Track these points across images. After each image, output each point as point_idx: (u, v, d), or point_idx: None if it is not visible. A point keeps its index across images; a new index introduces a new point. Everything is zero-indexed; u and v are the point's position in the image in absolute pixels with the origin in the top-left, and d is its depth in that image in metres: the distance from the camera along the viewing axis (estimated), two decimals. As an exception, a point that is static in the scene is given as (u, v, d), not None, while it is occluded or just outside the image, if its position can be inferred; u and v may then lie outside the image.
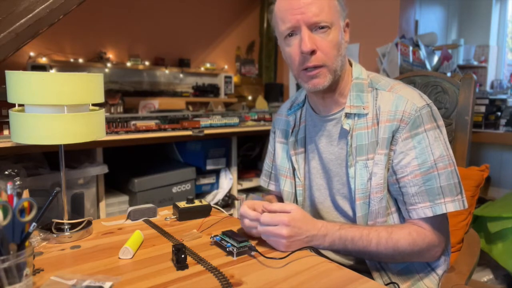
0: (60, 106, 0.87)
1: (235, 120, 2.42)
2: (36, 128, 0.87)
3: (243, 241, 0.82)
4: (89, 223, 0.95)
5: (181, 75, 2.93)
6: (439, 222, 0.89)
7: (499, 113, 2.40)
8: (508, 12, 4.48)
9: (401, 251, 0.86)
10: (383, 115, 0.90)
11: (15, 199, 0.63)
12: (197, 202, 1.08)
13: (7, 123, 1.60)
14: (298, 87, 3.13)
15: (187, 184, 2.27)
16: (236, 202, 2.52)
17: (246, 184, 2.65)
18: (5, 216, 0.58)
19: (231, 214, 1.11)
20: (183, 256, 0.74)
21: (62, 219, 0.93)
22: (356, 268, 0.90)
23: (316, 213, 1.04)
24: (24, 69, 2.21)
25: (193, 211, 1.06)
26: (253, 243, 0.84)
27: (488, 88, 4.16)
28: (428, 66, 2.60)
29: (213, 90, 3.00)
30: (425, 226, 0.88)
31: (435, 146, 0.87)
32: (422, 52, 2.61)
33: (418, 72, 1.36)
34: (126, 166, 2.28)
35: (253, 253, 0.81)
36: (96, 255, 0.82)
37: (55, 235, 0.89)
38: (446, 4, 4.48)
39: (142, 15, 2.74)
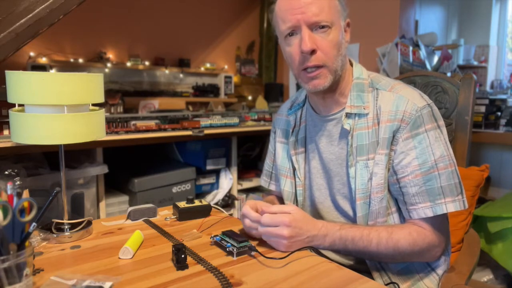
0: (60, 106, 0.87)
1: (235, 120, 2.42)
2: (36, 128, 0.87)
3: (243, 241, 0.81)
4: (89, 223, 0.95)
5: (181, 75, 2.93)
6: (440, 222, 0.89)
7: (499, 113, 2.40)
8: (508, 12, 4.48)
9: (401, 251, 0.86)
10: (384, 115, 0.90)
11: (15, 199, 0.63)
12: (197, 202, 1.08)
13: (7, 123, 1.60)
14: (298, 87, 3.13)
15: (187, 184, 2.27)
16: (236, 202, 2.52)
17: (246, 184, 2.65)
18: (5, 216, 0.58)
19: (231, 214, 1.11)
20: (183, 256, 0.74)
21: (62, 219, 0.93)
22: (356, 268, 0.90)
23: (316, 213, 1.04)
24: (24, 69, 2.21)
25: (193, 211, 1.06)
26: (253, 243, 0.84)
27: (488, 88, 4.16)
28: (428, 66, 2.60)
29: (213, 90, 3.00)
30: (425, 226, 0.88)
31: (436, 146, 0.87)
32: (422, 52, 2.61)
33: (418, 72, 1.36)
34: (126, 166, 2.27)
35: (253, 253, 0.81)
36: (96, 255, 0.82)
37: (55, 235, 0.89)
38: (446, 4, 4.48)
39: (142, 15, 2.74)
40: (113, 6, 2.60)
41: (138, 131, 2.00)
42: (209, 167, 2.41)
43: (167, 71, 2.84)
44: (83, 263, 0.77)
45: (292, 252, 0.81)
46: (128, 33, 2.70)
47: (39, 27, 1.49)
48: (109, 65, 2.54)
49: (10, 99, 0.88)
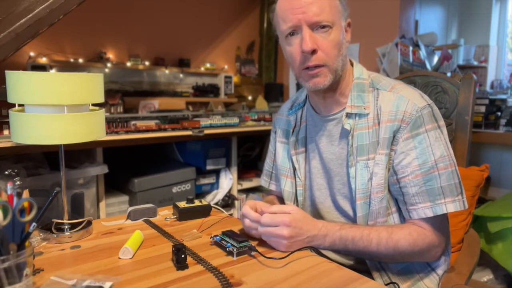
0: (60, 106, 0.87)
1: (235, 120, 2.42)
2: (36, 128, 0.87)
3: (243, 241, 0.81)
4: (89, 223, 0.95)
5: (181, 75, 2.93)
6: (440, 222, 0.89)
7: (499, 113, 2.40)
8: (508, 12, 4.48)
9: (401, 251, 0.86)
10: (384, 115, 0.90)
11: (15, 199, 0.63)
12: (197, 202, 1.08)
13: (7, 123, 1.60)
14: (298, 87, 3.13)
15: (187, 184, 2.27)
16: (236, 202, 2.52)
17: (246, 184, 2.65)
18: (5, 216, 0.58)
19: (231, 214, 1.11)
20: (183, 256, 0.74)
21: (62, 219, 0.93)
22: (356, 268, 0.90)
23: (317, 213, 1.04)
24: (24, 69, 2.21)
25: (193, 211, 1.06)
26: (253, 243, 0.84)
27: (488, 88, 4.16)
28: (428, 66, 2.60)
29: (213, 90, 3.00)
30: (425, 226, 0.88)
31: (436, 146, 0.87)
32: (422, 52, 2.61)
33: (418, 72, 1.36)
34: (126, 166, 2.27)
35: (253, 253, 0.81)
36: (96, 255, 0.81)
37: (55, 235, 0.89)
38: (446, 4, 4.48)
39: (142, 15, 2.74)
40: (113, 6, 2.60)
41: (138, 131, 2.00)
42: (209, 167, 2.41)
43: (167, 71, 2.84)
44: (83, 263, 0.77)
45: (292, 252, 0.81)
46: (128, 33, 2.70)
47: (39, 27, 1.49)
48: (109, 65, 2.54)
49: (10, 99, 0.88)
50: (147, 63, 2.71)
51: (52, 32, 2.21)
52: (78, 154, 1.90)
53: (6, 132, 1.64)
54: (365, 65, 1.03)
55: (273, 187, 1.19)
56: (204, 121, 2.25)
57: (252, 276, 0.72)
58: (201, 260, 0.78)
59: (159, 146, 2.51)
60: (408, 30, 2.67)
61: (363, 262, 0.94)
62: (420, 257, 0.91)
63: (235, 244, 0.81)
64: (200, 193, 2.44)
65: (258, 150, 2.86)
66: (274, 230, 0.82)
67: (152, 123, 2.06)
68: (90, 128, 0.93)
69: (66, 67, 2.41)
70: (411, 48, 2.52)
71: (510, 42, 4.58)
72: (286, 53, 0.95)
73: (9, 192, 0.62)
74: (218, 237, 0.87)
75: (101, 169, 1.87)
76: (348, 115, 0.94)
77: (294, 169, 1.06)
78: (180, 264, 0.74)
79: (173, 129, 2.12)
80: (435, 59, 2.73)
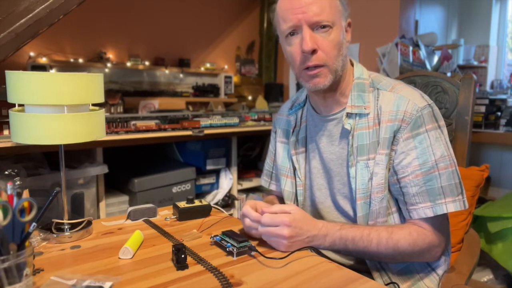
0: (60, 106, 0.87)
1: (235, 120, 2.42)
2: (36, 128, 0.87)
3: (243, 241, 0.81)
4: (89, 223, 0.95)
5: (181, 75, 2.93)
6: (440, 222, 0.89)
7: (499, 113, 2.40)
8: (508, 12, 4.48)
9: (401, 251, 0.86)
10: (384, 115, 0.90)
11: (15, 199, 0.62)
12: (197, 202, 1.08)
13: (7, 123, 1.60)
14: (298, 87, 3.13)
15: (187, 184, 2.27)
16: (236, 202, 2.52)
17: (246, 184, 2.65)
18: (5, 216, 0.58)
19: (231, 214, 1.11)
20: (183, 256, 0.74)
21: (62, 219, 0.93)
22: (356, 268, 0.90)
23: (317, 213, 1.04)
24: (24, 69, 2.21)
25: (193, 211, 1.06)
26: (253, 243, 0.84)
27: (488, 88, 4.16)
28: (428, 66, 2.60)
29: (213, 90, 3.00)
30: (425, 226, 0.88)
31: (436, 146, 0.87)
32: (422, 52, 2.61)
33: (418, 72, 1.36)
34: (126, 166, 2.27)
35: (253, 253, 0.81)
36: (96, 255, 0.81)
37: (55, 235, 0.89)
38: (446, 4, 4.48)
39: (142, 15, 2.74)
40: (113, 6, 2.60)
41: (138, 131, 2.00)
42: (209, 167, 2.41)
43: (167, 71, 2.84)
44: (83, 263, 0.77)
45: (292, 252, 0.81)
46: (128, 33, 2.70)
47: (39, 27, 1.49)
48: (109, 65, 2.54)
49: (10, 99, 0.88)
50: (147, 63, 2.71)
51: (52, 32, 2.21)
52: (78, 154, 1.90)
53: (6, 132, 1.64)
54: (365, 65, 1.03)
55: (273, 187, 1.19)
56: (204, 121, 2.25)
57: (252, 276, 0.72)
58: (201, 260, 0.78)
59: (159, 146, 2.51)
60: (408, 30, 2.67)
61: (363, 262, 0.94)
62: (420, 257, 0.91)
63: (235, 244, 0.81)
64: (200, 193, 2.44)
65: (258, 150, 2.86)
66: (274, 230, 0.82)
67: (152, 123, 2.06)
68: (90, 128, 0.92)
69: (66, 67, 2.41)
70: (411, 48, 2.52)
71: (510, 42, 4.58)
72: (286, 53, 0.95)
73: (9, 192, 0.62)
74: (218, 237, 0.87)
75: (101, 169, 1.87)
76: (349, 115, 0.94)
77: (294, 169, 1.06)
78: (180, 264, 0.74)
79: (173, 129, 2.12)
80: (435, 59, 2.73)
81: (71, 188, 1.78)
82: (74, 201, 1.77)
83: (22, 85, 0.85)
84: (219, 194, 2.44)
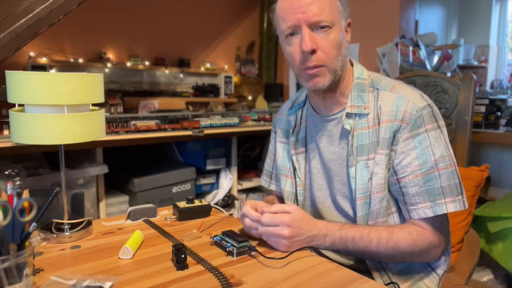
0: (60, 106, 0.87)
1: (235, 120, 2.42)
2: (36, 128, 0.87)
3: (243, 241, 0.81)
4: (89, 223, 0.95)
5: (181, 75, 2.93)
6: (440, 222, 0.89)
7: (499, 113, 2.40)
8: (508, 12, 4.48)
9: (401, 251, 0.86)
10: (384, 115, 0.90)
11: (15, 199, 0.63)
12: (197, 202, 1.08)
13: (7, 123, 1.60)
14: (298, 87, 3.13)
15: (187, 184, 2.27)
16: (236, 202, 2.52)
17: (246, 184, 2.65)
18: (5, 216, 0.58)
19: (231, 214, 1.11)
20: (183, 256, 0.74)
21: (62, 219, 0.93)
22: (356, 268, 0.90)
23: (317, 213, 1.04)
24: (24, 69, 2.21)
25: (193, 211, 1.06)
26: (253, 243, 0.84)
27: (488, 88, 4.16)
28: (428, 66, 2.60)
29: (213, 90, 3.00)
30: (425, 226, 0.88)
31: (436, 147, 0.87)
32: (422, 52, 2.61)
33: (418, 72, 1.36)
34: (126, 166, 2.27)
35: (253, 253, 0.81)
36: (96, 255, 0.81)
37: (55, 235, 0.89)
38: (446, 4, 4.48)
39: (142, 15, 2.74)
40: (113, 6, 2.60)
41: (138, 131, 2.00)
42: (209, 167, 2.41)
43: (167, 71, 2.84)
44: (83, 263, 0.77)
45: (292, 252, 0.81)
46: (128, 33, 2.70)
47: (39, 27, 1.49)
48: (109, 65, 2.54)
49: (10, 99, 0.88)
50: (147, 63, 2.71)
51: (52, 32, 2.21)
52: (78, 154, 1.90)
53: (6, 132, 1.64)
54: (365, 65, 1.03)
55: (273, 187, 1.19)
56: (204, 121, 2.25)
57: (252, 276, 0.72)
58: (201, 260, 0.78)
59: (159, 146, 2.51)
60: (408, 30, 2.67)
61: (363, 262, 0.94)
62: (420, 257, 0.91)
63: (235, 244, 0.81)
64: (200, 193, 2.44)
65: (258, 150, 2.86)
66: (274, 229, 0.82)
67: (152, 123, 2.06)
68: (90, 128, 0.93)
69: (66, 67, 2.41)
70: (411, 48, 2.52)
71: (510, 42, 4.58)
72: (286, 53, 0.95)
73: (9, 192, 0.62)
74: (218, 237, 0.87)
75: (101, 169, 1.87)
76: (348, 115, 0.94)
77: (294, 169, 1.06)
78: (180, 264, 0.74)
79: (173, 129, 2.12)
80: (435, 59, 2.73)
81: (71, 188, 1.78)
82: (74, 201, 1.77)
83: (22, 85, 0.85)
84: (219, 194, 2.44)
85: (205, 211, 1.07)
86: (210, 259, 0.78)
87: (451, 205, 0.85)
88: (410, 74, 1.33)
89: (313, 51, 0.87)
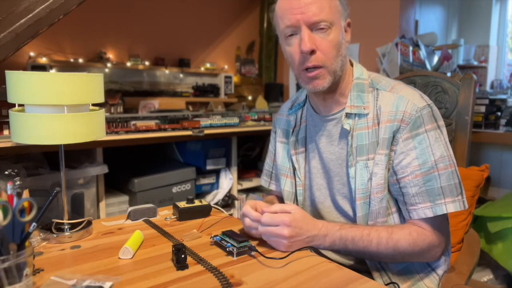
0: (60, 106, 0.87)
1: (235, 120, 2.42)
2: (36, 128, 0.87)
3: (243, 241, 0.81)
4: (89, 223, 0.95)
5: (181, 75, 2.93)
6: (440, 223, 0.89)
7: (499, 113, 2.40)
8: (508, 12, 4.48)
9: (401, 251, 0.86)
10: (384, 115, 0.90)
11: (15, 199, 0.63)
12: (197, 202, 1.08)
13: (7, 123, 1.60)
14: (298, 87, 3.13)
15: (187, 184, 2.27)
16: (236, 202, 2.52)
17: (246, 184, 2.65)
18: (5, 216, 0.58)
19: (231, 214, 1.11)
20: (183, 256, 0.74)
21: (62, 219, 0.93)
22: (356, 268, 0.90)
23: (317, 213, 1.04)
24: (24, 69, 2.21)
25: (193, 211, 1.06)
26: (253, 243, 0.84)
27: (488, 88, 4.16)
28: (428, 66, 2.60)
29: (213, 90, 3.00)
30: (425, 227, 0.88)
31: (436, 147, 0.87)
32: (422, 52, 2.61)
33: (418, 72, 1.36)
34: (126, 166, 2.27)
35: (253, 253, 0.81)
36: (96, 255, 0.82)
37: (55, 235, 0.89)
38: (446, 4, 4.48)
39: (142, 15, 2.74)
40: (113, 6, 2.60)
41: (138, 131, 2.00)
42: (209, 167, 2.41)
43: (167, 71, 2.84)
44: (83, 263, 0.77)
45: (292, 252, 0.81)
46: (128, 33, 2.70)
47: (39, 27, 1.49)
48: (109, 65, 2.54)
49: (10, 99, 0.88)
50: (147, 63, 2.71)
51: (52, 32, 2.21)
52: (78, 154, 1.90)
53: (6, 132, 1.64)
54: (365, 65, 1.03)
55: (273, 187, 1.19)
56: (204, 121, 2.25)
57: (252, 276, 0.72)
58: (201, 260, 0.78)
59: (159, 146, 2.51)
60: (408, 30, 2.67)
61: (363, 262, 0.94)
62: (420, 257, 0.91)
63: (235, 244, 0.81)
64: (200, 193, 2.44)
65: (258, 150, 2.86)
66: (274, 229, 0.82)
67: (152, 123, 2.06)
68: (90, 128, 0.93)
69: (66, 67, 2.41)
70: (411, 48, 2.52)
71: (510, 42, 4.58)
72: (285, 53, 0.95)
73: (9, 192, 0.62)
74: (218, 237, 0.87)
75: (101, 169, 1.87)
76: (348, 115, 0.94)
77: (294, 169, 1.06)
78: (180, 264, 0.74)
79: (173, 129, 2.12)
80: (435, 59, 2.73)
81: (71, 188, 1.78)
82: (74, 201, 1.77)
83: (22, 85, 0.85)
84: (219, 194, 2.44)
85: (205, 211, 1.07)
86: (210, 259, 0.78)
87: (451, 205, 0.85)
88: (410, 74, 1.33)
89: (312, 52, 0.87)
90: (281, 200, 1.15)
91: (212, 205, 1.10)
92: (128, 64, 2.63)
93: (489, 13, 4.38)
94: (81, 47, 2.51)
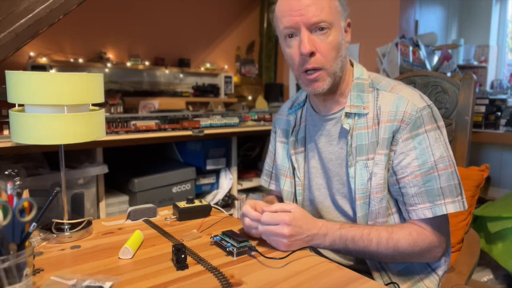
0: (60, 106, 0.87)
1: (235, 120, 2.42)
2: (36, 128, 0.87)
3: (243, 241, 0.81)
4: (89, 223, 0.95)
5: (181, 75, 2.93)
6: (440, 223, 0.89)
7: (499, 113, 2.40)
8: (508, 12, 4.48)
9: (401, 251, 0.86)
10: (384, 115, 0.90)
11: (15, 199, 0.63)
12: (197, 202, 1.08)
13: (7, 123, 1.60)
14: (298, 87, 3.13)
15: (187, 184, 2.27)
16: (236, 202, 2.52)
17: (246, 184, 2.65)
18: (5, 216, 0.58)
19: (231, 214, 1.11)
20: (183, 256, 0.74)
21: (62, 219, 0.93)
22: (356, 268, 0.90)
23: (316, 213, 1.04)
24: (24, 69, 2.21)
25: (193, 211, 1.06)
26: (253, 243, 0.84)
27: (488, 88, 4.17)
28: (428, 66, 2.60)
29: (213, 90, 3.00)
30: (425, 227, 0.88)
31: (436, 147, 0.87)
32: (422, 52, 2.61)
33: (418, 72, 1.36)
34: (126, 166, 2.27)
35: (253, 253, 0.81)
36: (96, 255, 0.82)
37: (55, 235, 0.89)
38: (446, 4, 4.48)
39: (142, 15, 2.74)
40: (113, 6, 2.60)
41: (138, 131, 2.00)
42: (209, 167, 2.41)
43: (167, 71, 2.84)
44: (83, 263, 0.77)
45: (292, 252, 0.81)
46: (128, 33, 2.70)
47: (39, 27, 1.49)
48: (109, 65, 2.54)
49: (10, 99, 0.88)
50: (147, 63, 2.71)
51: (52, 32, 2.21)
52: (78, 154, 1.90)
53: (6, 132, 1.64)
54: (365, 65, 1.03)
55: (273, 187, 1.19)
56: (204, 121, 2.25)
57: (252, 276, 0.72)
58: (201, 260, 0.78)
59: (159, 146, 2.51)
60: (408, 30, 2.67)
61: (363, 262, 0.94)
62: (421, 257, 0.90)
63: (235, 244, 0.81)
64: (200, 193, 2.44)
65: (258, 150, 2.86)
66: (274, 228, 0.82)
67: (152, 123, 2.06)
68: (90, 128, 0.93)
69: (66, 67, 2.41)
70: (411, 48, 2.52)
71: (510, 42, 4.58)
72: (286, 55, 0.95)
73: (9, 192, 0.62)
74: (218, 237, 0.87)
75: (101, 169, 1.87)
76: (347, 115, 0.94)
77: (294, 168, 1.06)
78: (180, 264, 0.74)
79: (173, 129, 2.12)
80: (435, 59, 2.73)
81: (71, 188, 1.78)
82: (74, 201, 1.77)
83: (22, 85, 0.85)
84: (219, 194, 2.45)
85: (205, 211, 1.07)
86: (210, 259, 0.78)
87: (451, 206, 0.85)
88: (410, 74, 1.33)
89: (311, 54, 0.87)
90: (281, 200, 1.15)
91: (212, 205, 1.10)
92: (128, 64, 2.63)
93: (489, 13, 4.38)
94: (81, 47, 2.51)
